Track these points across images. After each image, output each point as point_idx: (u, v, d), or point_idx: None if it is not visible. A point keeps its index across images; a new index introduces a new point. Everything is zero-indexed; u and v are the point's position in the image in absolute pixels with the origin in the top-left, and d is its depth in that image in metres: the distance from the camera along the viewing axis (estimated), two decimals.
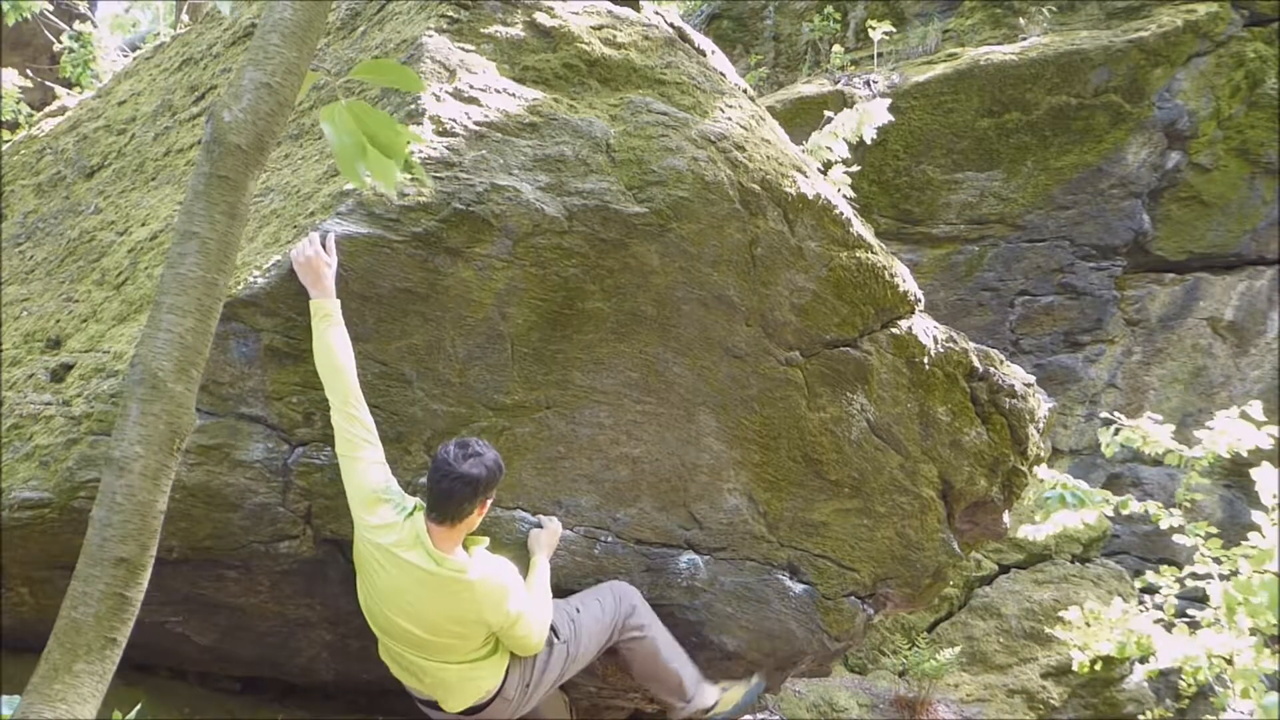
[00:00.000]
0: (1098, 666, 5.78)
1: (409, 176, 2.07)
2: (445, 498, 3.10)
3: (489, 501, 3.23)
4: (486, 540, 3.31)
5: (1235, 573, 4.61)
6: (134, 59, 5.79)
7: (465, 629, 3.24)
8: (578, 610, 3.58)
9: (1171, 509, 5.11)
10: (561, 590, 3.72)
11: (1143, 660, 5.33)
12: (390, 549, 3.12)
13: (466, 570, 3.16)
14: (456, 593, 3.16)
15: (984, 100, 8.84)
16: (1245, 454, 4.83)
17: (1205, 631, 4.89)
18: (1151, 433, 4.92)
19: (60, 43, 8.49)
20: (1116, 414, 5.22)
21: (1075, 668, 5.89)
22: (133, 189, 4.31)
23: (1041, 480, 4.96)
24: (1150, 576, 5.68)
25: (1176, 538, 5.15)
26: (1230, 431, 4.77)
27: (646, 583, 3.88)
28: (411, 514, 3.14)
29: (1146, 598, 5.92)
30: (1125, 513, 4.91)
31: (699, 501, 3.95)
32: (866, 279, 4.16)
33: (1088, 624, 5.73)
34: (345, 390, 3.11)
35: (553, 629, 3.47)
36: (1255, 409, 4.84)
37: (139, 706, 2.55)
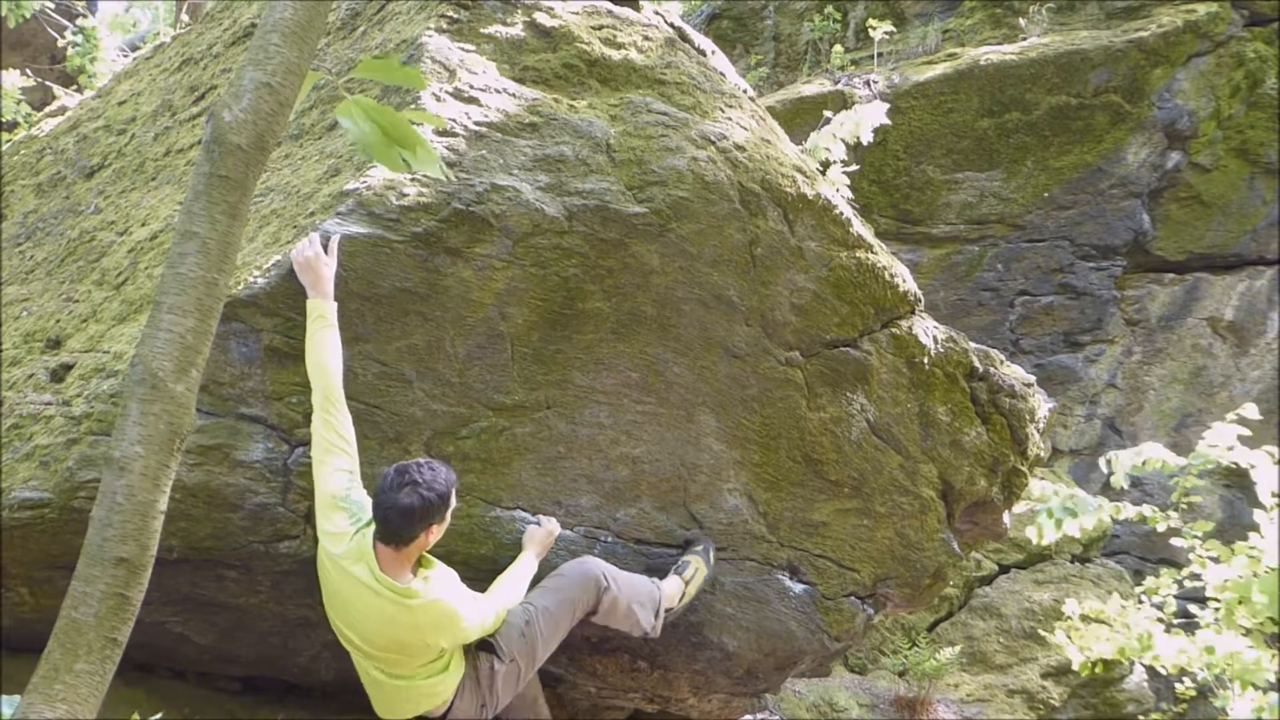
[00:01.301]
0: (1098, 669, 5.77)
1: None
2: (384, 524, 3.03)
3: (438, 525, 3.11)
4: (437, 565, 3.22)
5: (1239, 575, 4.60)
6: (134, 59, 5.79)
7: (408, 648, 3.17)
8: (527, 623, 3.43)
9: (1168, 511, 5.12)
10: None
11: (1142, 653, 5.33)
12: (339, 559, 3.07)
13: (410, 596, 3.07)
14: (396, 616, 3.08)
15: (984, 100, 8.84)
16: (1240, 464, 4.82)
17: (1204, 632, 4.89)
18: (1152, 456, 4.92)
19: (64, 38, 8.49)
20: (1114, 455, 5.19)
21: (1075, 667, 5.89)
22: (133, 189, 4.31)
23: (1044, 485, 4.96)
24: (1150, 581, 5.68)
25: (1174, 540, 5.16)
26: (1224, 442, 4.75)
27: None
28: (363, 528, 3.08)
29: (1145, 598, 5.93)
30: (1122, 517, 4.91)
31: (699, 501, 3.95)
32: (866, 279, 4.16)
33: (1085, 621, 5.73)
34: (327, 394, 3.07)
35: (496, 650, 3.36)
36: (1251, 410, 4.83)
37: (159, 716, 2.56)
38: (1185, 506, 5.27)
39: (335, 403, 3.08)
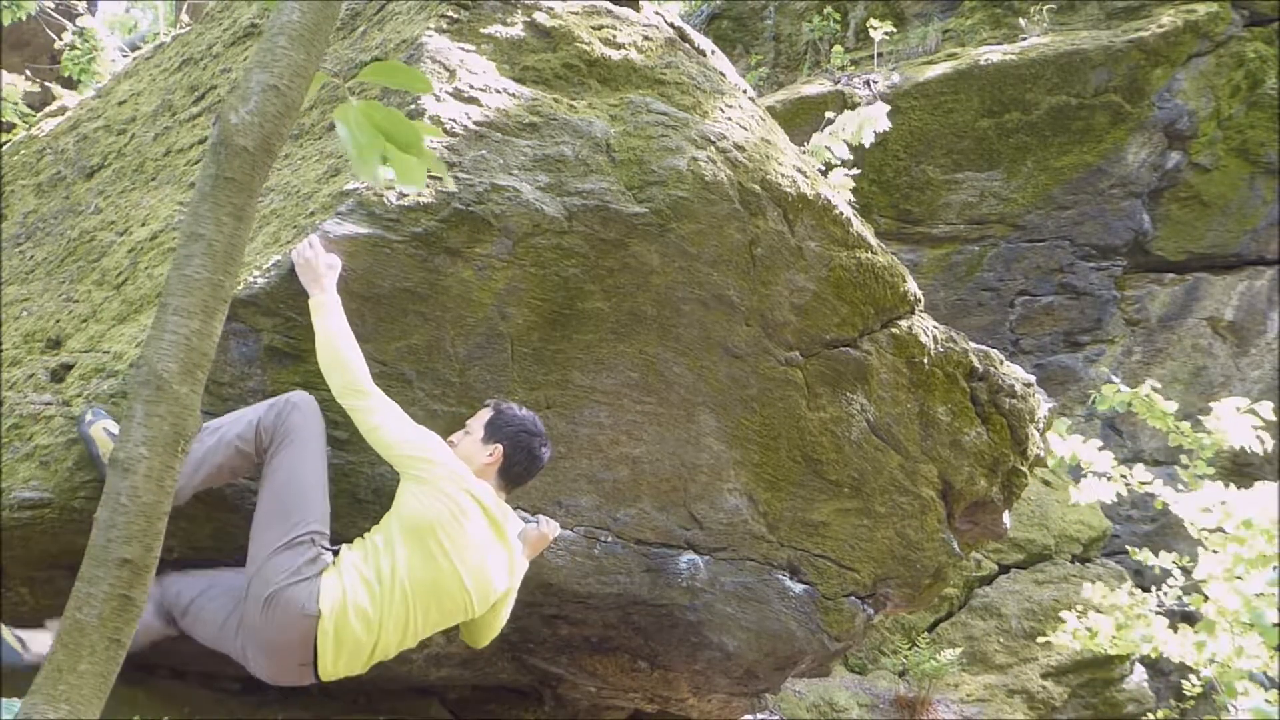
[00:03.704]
0: (1096, 672, 5.79)
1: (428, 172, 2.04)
2: (529, 463, 3.15)
3: None
4: None
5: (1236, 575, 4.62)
6: (134, 59, 5.78)
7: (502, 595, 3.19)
8: None
9: (1179, 489, 5.13)
10: (563, 591, 3.73)
11: (1145, 647, 5.35)
12: (477, 500, 3.00)
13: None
14: (509, 562, 3.14)
15: (984, 100, 8.85)
16: (1244, 448, 4.85)
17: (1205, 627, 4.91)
18: (1157, 401, 4.94)
19: (61, 40, 8.47)
20: (1114, 379, 5.24)
21: (1052, 642, 5.92)
22: (133, 189, 4.31)
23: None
24: (1151, 562, 5.66)
25: (1177, 536, 5.17)
26: (1232, 426, 4.78)
27: (646, 583, 3.89)
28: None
29: (1149, 590, 5.94)
30: (1128, 510, 4.95)
31: (699, 501, 3.95)
32: (866, 279, 4.16)
33: (1088, 615, 5.74)
34: (352, 385, 2.97)
35: None
36: (1265, 409, 4.86)
37: None
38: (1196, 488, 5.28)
39: (363, 394, 2.97)
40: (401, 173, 1.84)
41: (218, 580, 3.02)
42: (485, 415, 3.20)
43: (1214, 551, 4.88)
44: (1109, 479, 5.02)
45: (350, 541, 3.01)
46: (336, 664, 2.90)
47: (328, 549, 2.92)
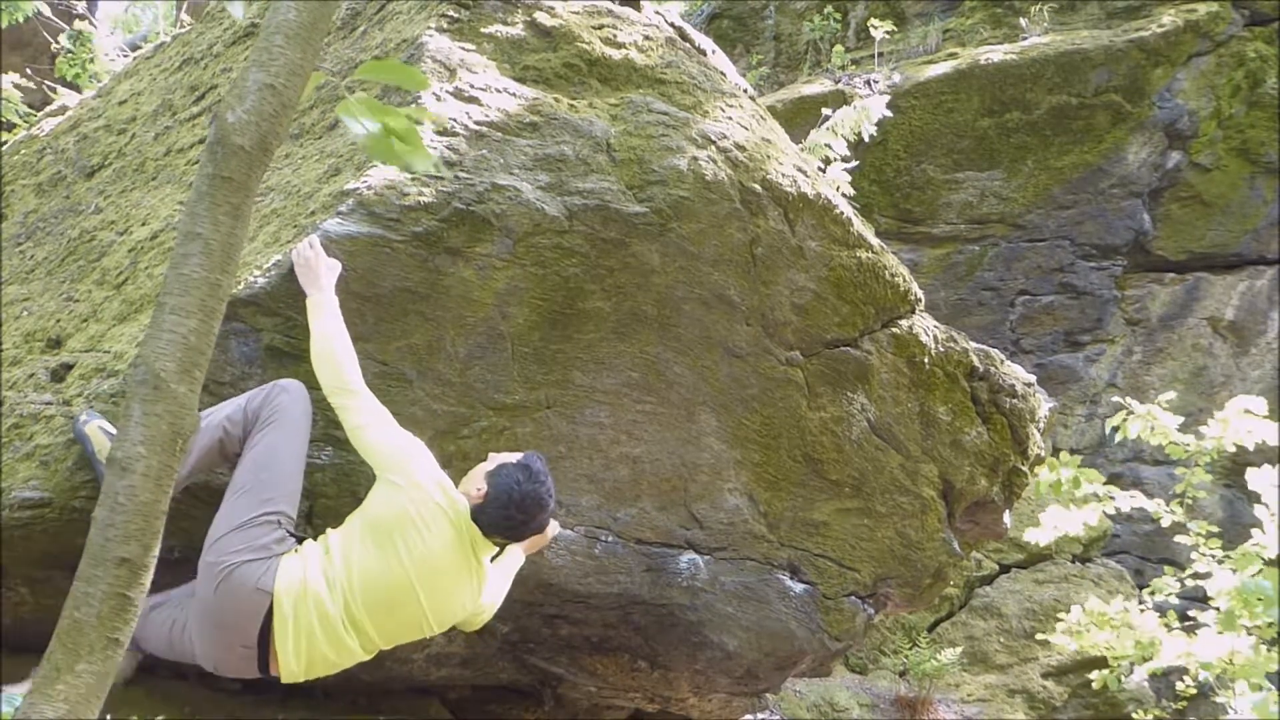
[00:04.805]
0: (1117, 680, 5.77)
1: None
2: (523, 526, 3.05)
3: None
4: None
5: (1235, 570, 4.62)
6: (134, 59, 5.78)
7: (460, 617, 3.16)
8: None
9: (1171, 506, 5.12)
10: (563, 591, 3.73)
11: (1145, 659, 5.34)
12: (448, 515, 2.95)
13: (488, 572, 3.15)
14: (476, 589, 3.10)
15: (984, 100, 8.84)
16: (1250, 448, 4.84)
17: (1206, 631, 4.90)
18: (1160, 419, 4.93)
19: (58, 43, 8.45)
20: (1128, 399, 5.22)
21: (1095, 685, 5.91)
22: (133, 189, 4.31)
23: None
24: (1155, 582, 5.68)
25: (1178, 537, 5.15)
26: (1236, 425, 4.78)
27: (647, 582, 3.88)
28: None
29: (1147, 598, 5.94)
30: (1129, 509, 4.92)
31: (699, 501, 3.95)
32: (867, 278, 4.16)
33: (1088, 627, 5.73)
34: (342, 385, 2.98)
35: None
36: (1258, 405, 4.85)
37: None
38: (1191, 501, 5.26)
39: (352, 393, 2.97)
40: (409, 154, 1.85)
41: (170, 596, 3.04)
42: (512, 458, 3.13)
43: (1216, 560, 4.88)
44: (1099, 498, 5.00)
45: (314, 539, 3.01)
46: (297, 655, 2.89)
47: (293, 534, 2.93)
